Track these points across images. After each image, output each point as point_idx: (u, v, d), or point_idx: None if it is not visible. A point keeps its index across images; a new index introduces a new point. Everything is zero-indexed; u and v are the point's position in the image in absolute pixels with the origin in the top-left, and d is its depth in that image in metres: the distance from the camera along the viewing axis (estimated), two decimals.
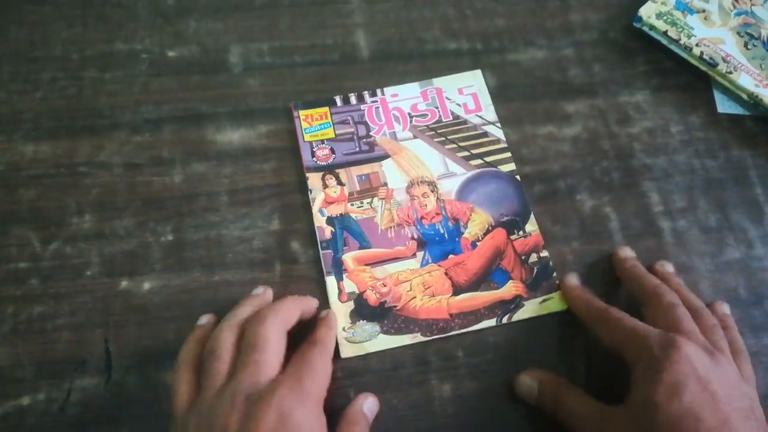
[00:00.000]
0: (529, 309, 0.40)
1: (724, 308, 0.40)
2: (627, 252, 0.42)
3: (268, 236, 0.43)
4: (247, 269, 0.42)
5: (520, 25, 0.53)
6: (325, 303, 0.41)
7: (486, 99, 0.48)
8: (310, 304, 0.39)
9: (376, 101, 0.48)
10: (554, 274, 0.42)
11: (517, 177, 0.45)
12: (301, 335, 0.37)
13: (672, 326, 0.35)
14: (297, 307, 0.37)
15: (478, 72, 0.49)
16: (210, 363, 0.33)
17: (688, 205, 0.45)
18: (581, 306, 0.39)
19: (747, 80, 0.48)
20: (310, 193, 0.44)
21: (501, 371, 0.39)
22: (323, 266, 0.42)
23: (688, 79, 0.50)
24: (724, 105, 0.49)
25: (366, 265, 0.42)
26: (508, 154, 0.46)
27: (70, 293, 0.41)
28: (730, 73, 0.48)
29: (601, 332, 0.36)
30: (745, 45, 0.50)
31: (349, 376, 0.39)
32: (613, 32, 0.52)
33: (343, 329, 0.39)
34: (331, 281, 0.41)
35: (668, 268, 0.41)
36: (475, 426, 0.38)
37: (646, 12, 0.51)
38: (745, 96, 0.48)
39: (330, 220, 0.43)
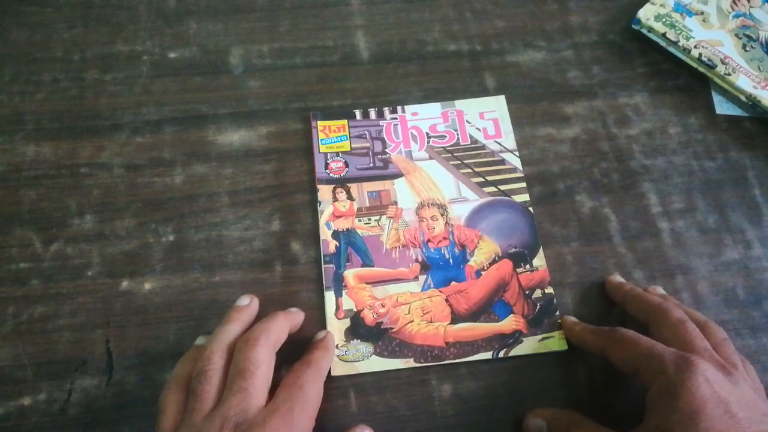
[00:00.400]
0: (528, 346, 0.39)
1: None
2: (619, 278, 0.41)
3: (269, 237, 0.43)
4: (248, 270, 0.42)
5: (520, 27, 0.53)
6: (322, 318, 0.40)
7: (507, 126, 0.47)
8: (298, 318, 0.38)
9: (396, 118, 0.48)
10: (557, 313, 0.41)
11: (530, 209, 0.44)
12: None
13: (684, 344, 0.33)
14: (287, 325, 0.36)
15: (502, 98, 0.49)
16: (199, 385, 0.32)
17: (686, 206, 0.45)
18: (587, 335, 0.38)
19: (745, 82, 0.48)
20: (319, 205, 0.44)
21: (501, 372, 0.39)
22: (323, 280, 0.41)
23: (687, 80, 0.50)
24: (722, 106, 0.49)
25: (367, 283, 0.41)
26: (524, 184, 0.45)
27: (71, 294, 0.41)
28: (729, 74, 0.48)
29: (614, 354, 0.35)
30: (744, 47, 0.50)
31: (350, 376, 0.39)
32: (612, 34, 0.53)
33: (337, 347, 0.39)
34: (329, 296, 0.41)
35: (660, 291, 0.41)
36: (475, 426, 0.38)
37: (645, 14, 0.51)
38: (743, 97, 0.48)
39: (336, 234, 0.43)
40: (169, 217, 0.44)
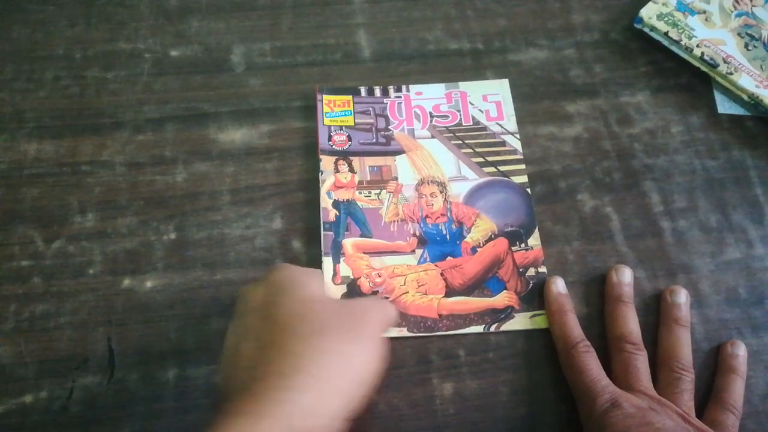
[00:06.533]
0: (519, 321, 0.40)
1: (737, 349, 0.39)
2: (622, 276, 0.41)
3: (270, 235, 0.43)
4: (249, 268, 0.42)
5: (522, 26, 0.53)
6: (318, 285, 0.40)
7: (509, 109, 0.48)
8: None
9: (400, 97, 0.48)
10: None
11: (528, 190, 0.45)
12: None
13: (628, 378, 0.36)
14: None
15: (505, 81, 0.49)
16: None
17: (688, 205, 0.45)
18: (557, 328, 0.39)
19: (747, 81, 0.48)
20: (321, 174, 0.45)
21: (502, 370, 0.39)
22: (322, 247, 0.42)
23: (689, 79, 0.50)
24: (724, 105, 0.49)
25: (364, 253, 0.42)
26: (523, 166, 0.46)
27: (73, 292, 0.41)
28: (731, 73, 0.48)
29: (564, 373, 0.38)
30: (746, 46, 0.50)
31: None
32: (614, 33, 0.53)
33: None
34: (327, 262, 0.42)
35: (678, 297, 0.40)
36: (476, 425, 0.38)
37: (647, 13, 0.51)
38: (745, 97, 0.48)
39: (336, 204, 0.44)
40: (170, 215, 0.44)
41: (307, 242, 0.43)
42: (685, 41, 0.50)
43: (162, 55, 0.51)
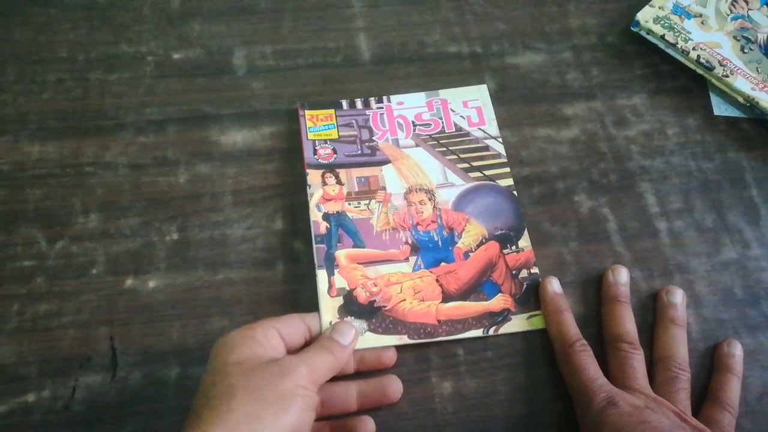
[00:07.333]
0: (516, 324, 0.40)
1: (733, 348, 0.39)
2: (618, 276, 0.41)
3: (272, 236, 0.44)
4: (251, 268, 0.42)
5: (520, 29, 0.53)
6: (314, 296, 0.41)
7: (490, 113, 0.48)
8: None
9: (382, 108, 0.49)
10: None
11: (514, 192, 0.45)
12: None
13: (625, 377, 0.37)
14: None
15: (484, 87, 0.50)
16: None
17: (684, 206, 0.45)
18: (554, 328, 0.39)
19: (743, 83, 0.49)
20: (309, 188, 0.45)
21: (501, 370, 0.40)
22: (315, 260, 0.42)
23: (685, 82, 0.51)
24: (720, 108, 0.50)
25: (358, 263, 0.42)
26: (507, 169, 0.46)
27: (76, 292, 0.41)
28: (727, 76, 0.49)
29: (561, 372, 0.38)
30: (742, 49, 0.51)
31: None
32: (611, 36, 0.53)
33: (330, 323, 0.40)
34: (322, 275, 0.42)
35: (674, 297, 0.41)
36: (475, 424, 0.38)
37: (644, 16, 0.52)
38: (741, 99, 0.49)
39: (326, 216, 0.44)
40: (173, 216, 0.44)
41: (308, 243, 0.43)
42: (681, 44, 0.50)
43: (164, 57, 0.51)
